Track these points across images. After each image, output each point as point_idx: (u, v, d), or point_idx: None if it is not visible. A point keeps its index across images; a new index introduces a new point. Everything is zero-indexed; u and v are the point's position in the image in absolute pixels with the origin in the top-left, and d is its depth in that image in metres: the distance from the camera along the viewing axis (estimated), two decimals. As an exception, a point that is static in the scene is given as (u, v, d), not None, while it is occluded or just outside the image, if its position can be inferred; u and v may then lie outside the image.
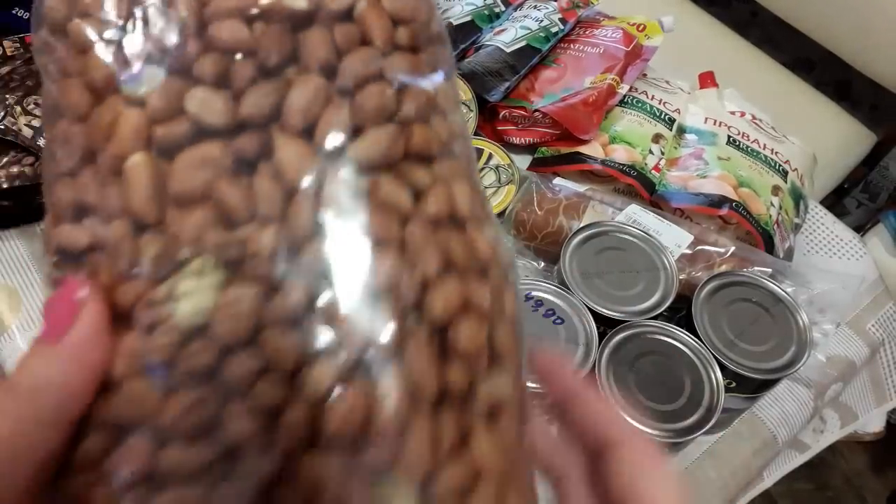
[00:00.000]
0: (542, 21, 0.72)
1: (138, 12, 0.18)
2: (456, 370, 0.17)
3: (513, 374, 0.19)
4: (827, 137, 0.97)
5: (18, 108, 0.56)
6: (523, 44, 0.70)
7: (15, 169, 0.56)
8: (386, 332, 0.16)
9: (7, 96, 0.57)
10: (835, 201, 1.07)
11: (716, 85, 0.74)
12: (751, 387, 0.49)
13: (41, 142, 0.56)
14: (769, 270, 0.55)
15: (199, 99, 0.17)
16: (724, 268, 0.56)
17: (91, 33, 0.18)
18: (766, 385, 0.49)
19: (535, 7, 0.74)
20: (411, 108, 0.19)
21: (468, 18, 0.72)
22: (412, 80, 0.19)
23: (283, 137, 0.17)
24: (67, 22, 0.18)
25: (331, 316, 0.16)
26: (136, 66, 0.18)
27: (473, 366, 0.18)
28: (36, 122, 0.56)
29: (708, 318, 0.49)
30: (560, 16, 0.73)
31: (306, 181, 0.17)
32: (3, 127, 0.55)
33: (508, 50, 0.69)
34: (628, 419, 0.23)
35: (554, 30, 0.72)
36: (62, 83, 0.19)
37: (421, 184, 0.19)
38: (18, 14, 0.68)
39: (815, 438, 0.70)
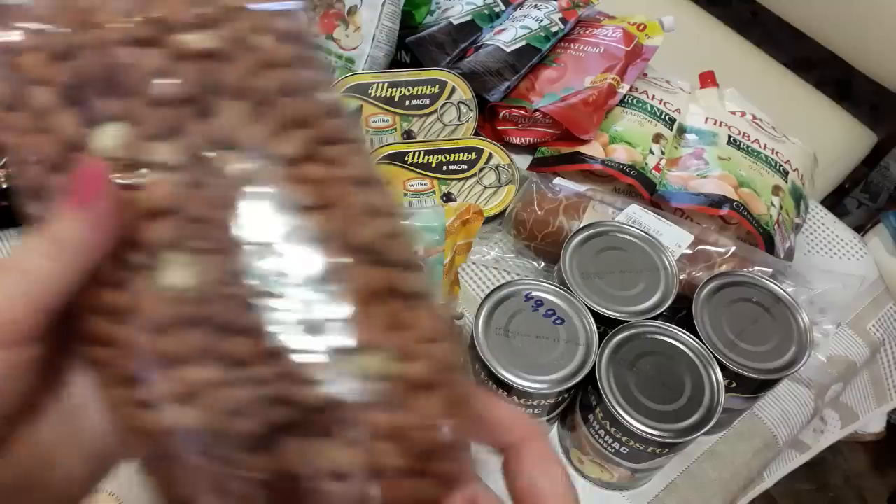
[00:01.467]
0: (542, 20, 0.72)
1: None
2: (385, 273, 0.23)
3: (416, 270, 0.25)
4: (827, 137, 0.97)
5: (18, 108, 0.56)
6: (523, 43, 0.70)
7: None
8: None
9: (7, 96, 0.57)
10: (835, 201, 1.07)
11: (716, 84, 0.74)
12: (751, 387, 0.49)
13: (41, 141, 0.56)
14: (769, 270, 0.55)
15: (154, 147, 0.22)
16: (724, 268, 0.56)
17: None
18: (766, 385, 0.49)
19: (535, 6, 0.74)
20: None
21: (468, 18, 0.72)
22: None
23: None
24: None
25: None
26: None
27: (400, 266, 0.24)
28: (35, 122, 0.56)
29: (708, 318, 0.49)
30: (560, 15, 0.73)
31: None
32: (2, 127, 0.55)
33: (508, 49, 0.69)
34: (525, 419, 0.24)
35: (554, 29, 0.72)
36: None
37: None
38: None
39: (816, 439, 0.70)
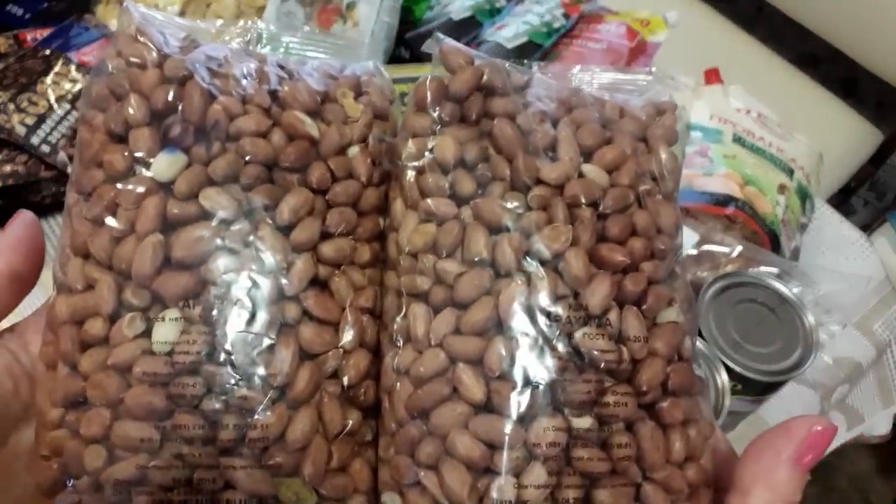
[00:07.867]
0: (544, 16, 0.71)
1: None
2: (356, 416, 0.24)
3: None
4: (833, 135, 0.96)
5: (11, 106, 0.56)
6: (525, 39, 0.69)
7: (8, 167, 0.56)
8: (300, 381, 0.23)
9: (0, 94, 0.56)
10: (841, 200, 1.05)
11: (721, 81, 0.73)
12: (757, 389, 0.48)
13: (34, 139, 0.55)
14: (775, 270, 0.55)
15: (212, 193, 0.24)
16: (729, 268, 0.55)
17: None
18: (772, 387, 0.48)
19: (537, 2, 0.73)
20: None
21: (469, 13, 0.71)
22: None
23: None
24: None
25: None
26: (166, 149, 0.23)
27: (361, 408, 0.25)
28: (29, 120, 0.56)
29: (714, 319, 0.48)
30: (563, 10, 0.72)
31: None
32: (-5, 124, 0.54)
33: (510, 46, 0.68)
34: (756, 468, 0.25)
35: (556, 25, 0.71)
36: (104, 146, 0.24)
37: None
38: (13, 11, 0.68)
39: (821, 441, 0.69)
